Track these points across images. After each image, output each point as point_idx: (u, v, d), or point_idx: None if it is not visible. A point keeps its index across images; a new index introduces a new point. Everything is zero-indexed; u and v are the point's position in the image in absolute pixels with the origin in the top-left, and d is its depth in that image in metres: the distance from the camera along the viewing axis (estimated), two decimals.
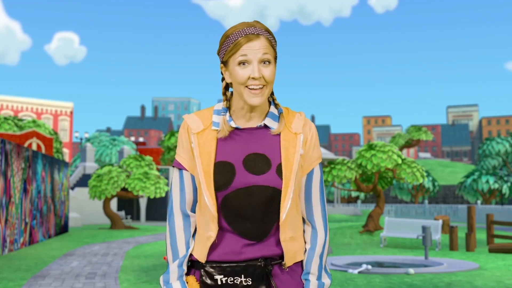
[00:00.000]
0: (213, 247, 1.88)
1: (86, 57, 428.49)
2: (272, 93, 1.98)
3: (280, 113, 1.94)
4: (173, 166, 1.99)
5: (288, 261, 1.90)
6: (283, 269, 1.91)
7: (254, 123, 1.93)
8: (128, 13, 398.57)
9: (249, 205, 1.84)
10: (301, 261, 1.97)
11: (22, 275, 10.75)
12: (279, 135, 1.93)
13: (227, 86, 1.96)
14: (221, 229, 1.88)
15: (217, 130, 1.91)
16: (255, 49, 1.83)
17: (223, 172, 1.85)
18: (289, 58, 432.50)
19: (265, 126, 1.93)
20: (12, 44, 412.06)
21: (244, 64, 1.84)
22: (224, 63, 1.89)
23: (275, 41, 1.92)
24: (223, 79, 1.95)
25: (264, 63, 1.84)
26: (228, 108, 1.94)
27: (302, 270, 1.96)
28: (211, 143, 1.89)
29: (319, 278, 1.95)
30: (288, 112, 1.98)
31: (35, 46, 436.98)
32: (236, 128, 1.92)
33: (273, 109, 1.96)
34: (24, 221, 16.72)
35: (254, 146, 1.90)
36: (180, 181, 1.94)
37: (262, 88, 1.83)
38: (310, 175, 1.96)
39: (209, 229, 1.86)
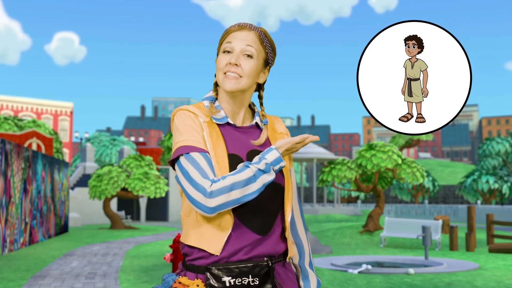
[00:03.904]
0: (225, 242, 1.83)
1: (86, 57, 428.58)
2: (261, 104, 2.01)
3: (265, 124, 1.97)
4: (182, 154, 1.80)
5: (289, 255, 1.96)
6: (282, 266, 1.94)
7: (245, 122, 1.96)
8: (128, 13, 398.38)
9: (257, 199, 1.85)
10: (291, 258, 2.04)
11: (22, 275, 10.75)
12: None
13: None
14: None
15: (218, 123, 1.90)
16: (240, 38, 1.86)
17: (235, 165, 1.84)
18: (289, 58, 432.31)
19: (257, 126, 1.97)
20: (12, 44, 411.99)
21: (228, 52, 1.87)
22: (218, 55, 1.92)
23: (272, 49, 1.94)
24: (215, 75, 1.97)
25: (248, 56, 1.86)
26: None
27: (292, 267, 2.02)
28: (219, 135, 1.87)
29: (313, 277, 2.08)
30: (269, 116, 2.03)
31: (35, 46, 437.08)
32: (233, 126, 1.93)
33: (257, 113, 2.00)
34: (24, 221, 16.72)
35: (252, 144, 1.92)
36: (207, 162, 1.79)
37: (238, 78, 1.85)
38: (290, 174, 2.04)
39: (222, 221, 1.81)
